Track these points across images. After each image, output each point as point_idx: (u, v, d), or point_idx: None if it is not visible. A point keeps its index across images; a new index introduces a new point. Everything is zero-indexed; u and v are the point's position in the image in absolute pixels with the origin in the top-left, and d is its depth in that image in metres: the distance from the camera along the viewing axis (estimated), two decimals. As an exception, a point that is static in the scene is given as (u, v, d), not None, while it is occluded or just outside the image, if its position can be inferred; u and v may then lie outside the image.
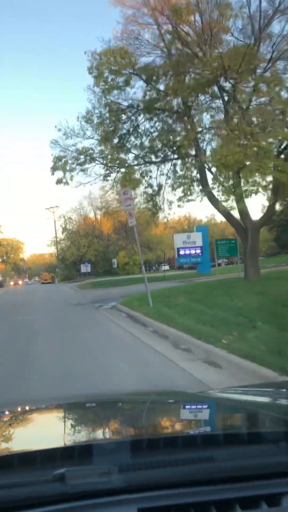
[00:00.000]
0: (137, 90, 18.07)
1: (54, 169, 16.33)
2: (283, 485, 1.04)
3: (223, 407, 1.72)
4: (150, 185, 18.02)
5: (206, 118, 16.36)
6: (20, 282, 69.25)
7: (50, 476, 0.96)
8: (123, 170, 16.46)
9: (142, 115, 17.12)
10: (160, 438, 1.18)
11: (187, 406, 1.84)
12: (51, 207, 63.82)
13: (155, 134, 17.21)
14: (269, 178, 13.47)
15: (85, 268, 50.27)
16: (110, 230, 59.26)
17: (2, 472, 1.00)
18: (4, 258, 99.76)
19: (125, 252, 50.07)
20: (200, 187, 16.56)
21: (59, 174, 16.44)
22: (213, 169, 14.82)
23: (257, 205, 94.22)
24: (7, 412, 1.78)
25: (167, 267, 44.40)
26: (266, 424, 1.32)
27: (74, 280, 50.90)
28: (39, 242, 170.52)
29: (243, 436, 1.17)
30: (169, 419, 1.58)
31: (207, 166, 15.65)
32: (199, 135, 15.94)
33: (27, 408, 1.97)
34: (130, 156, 17.63)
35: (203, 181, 16.08)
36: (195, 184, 17.00)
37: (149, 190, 18.07)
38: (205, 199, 16.52)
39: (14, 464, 1.02)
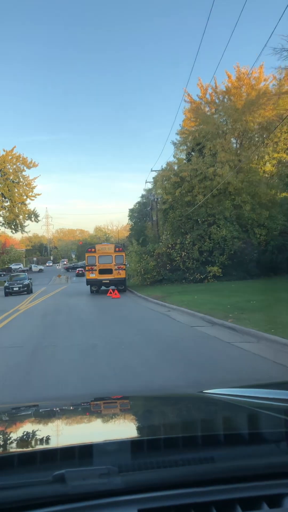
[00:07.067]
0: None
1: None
2: (284, 486, 1.03)
3: (223, 408, 1.71)
4: None
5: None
6: None
7: (50, 477, 0.97)
8: None
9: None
10: (160, 438, 1.18)
11: (187, 407, 1.83)
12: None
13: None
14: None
15: None
16: None
17: (1, 472, 1.01)
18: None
19: None
20: None
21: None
22: None
23: None
24: (6, 412, 1.80)
25: None
26: (266, 424, 1.30)
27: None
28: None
29: (244, 437, 1.16)
30: (169, 420, 1.58)
31: None
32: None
33: (27, 408, 1.99)
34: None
35: None
36: None
37: None
38: None
39: (14, 464, 1.04)
